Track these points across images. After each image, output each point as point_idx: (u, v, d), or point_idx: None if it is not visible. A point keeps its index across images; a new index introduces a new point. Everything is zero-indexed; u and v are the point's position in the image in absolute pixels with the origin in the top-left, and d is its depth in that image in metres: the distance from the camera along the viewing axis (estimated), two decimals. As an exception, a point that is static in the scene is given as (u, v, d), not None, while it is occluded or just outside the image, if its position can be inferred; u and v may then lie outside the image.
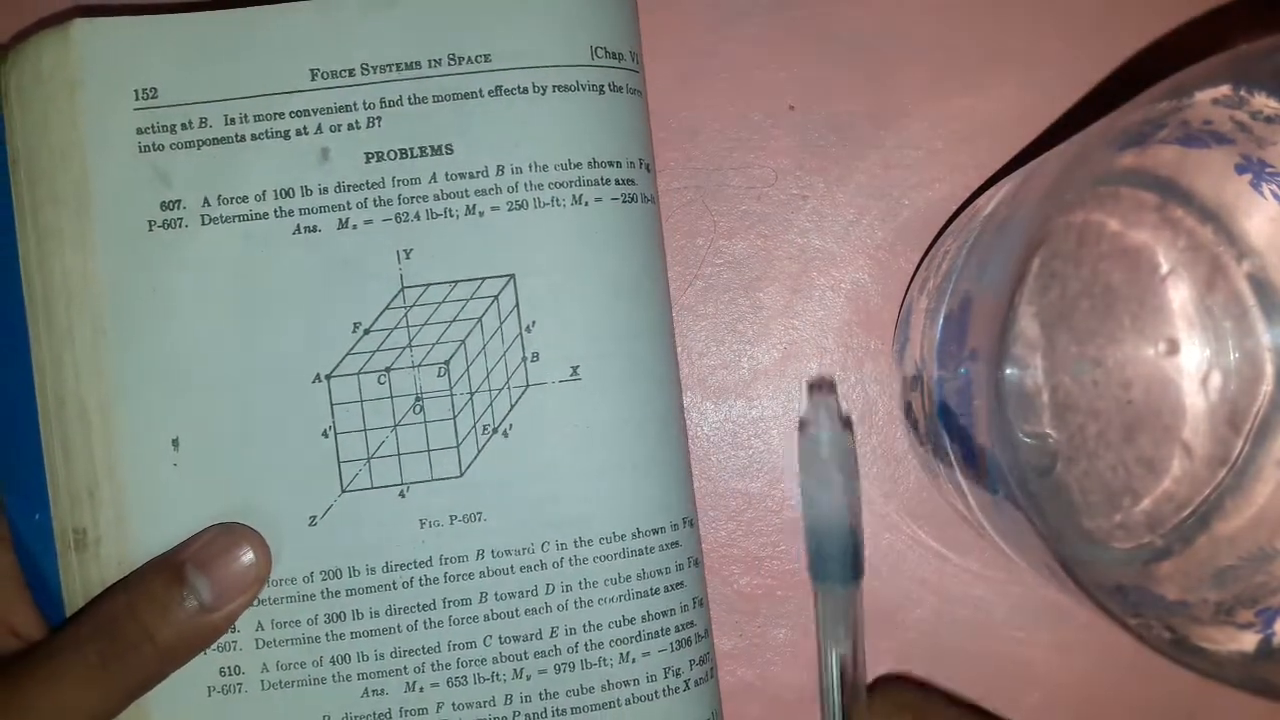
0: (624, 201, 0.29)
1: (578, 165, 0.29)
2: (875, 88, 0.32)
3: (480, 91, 0.29)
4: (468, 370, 0.29)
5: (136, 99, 0.29)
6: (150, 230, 0.29)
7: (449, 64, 0.29)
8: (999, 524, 0.26)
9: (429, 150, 0.29)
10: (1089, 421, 0.26)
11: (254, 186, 0.29)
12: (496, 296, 0.29)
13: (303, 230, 0.29)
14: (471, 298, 0.29)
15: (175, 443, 0.29)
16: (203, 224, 0.29)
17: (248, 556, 0.28)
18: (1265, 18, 0.31)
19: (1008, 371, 0.25)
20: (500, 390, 0.29)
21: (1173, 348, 0.25)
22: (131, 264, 0.29)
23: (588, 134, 0.29)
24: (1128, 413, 0.25)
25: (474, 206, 0.29)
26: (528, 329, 0.29)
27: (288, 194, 0.29)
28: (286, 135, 0.29)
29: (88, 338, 0.29)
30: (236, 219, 0.29)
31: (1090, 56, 0.32)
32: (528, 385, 0.29)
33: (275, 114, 0.29)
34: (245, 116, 0.29)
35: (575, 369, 0.29)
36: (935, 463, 0.29)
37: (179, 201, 0.29)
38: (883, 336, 0.33)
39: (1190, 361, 0.25)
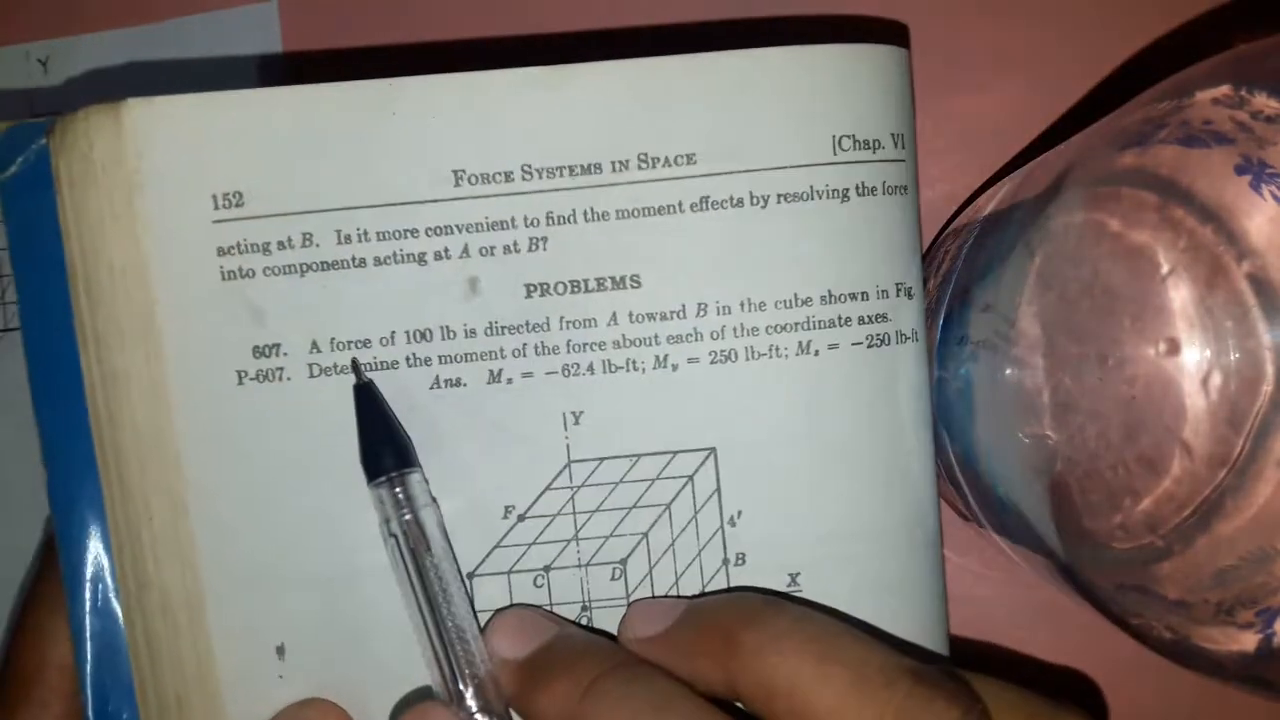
0: (869, 345, 0.23)
1: (806, 301, 0.23)
2: (875, 88, 0.32)
3: (680, 205, 0.22)
4: (650, 574, 0.23)
5: (215, 206, 0.22)
6: (240, 384, 0.23)
7: (639, 167, 0.22)
8: (999, 524, 0.26)
9: (609, 282, 0.23)
10: (1089, 422, 0.26)
11: (378, 328, 0.23)
12: (691, 476, 0.23)
13: (442, 384, 0.23)
14: (658, 477, 0.23)
15: (280, 650, 0.23)
16: (310, 376, 0.23)
17: None
18: (1265, 18, 0.31)
19: (1007, 371, 0.25)
20: None
21: (1173, 348, 0.25)
22: (216, 425, 0.23)
23: (822, 259, 0.23)
24: (1128, 413, 0.25)
25: (665, 357, 0.23)
26: (731, 521, 0.23)
27: (423, 337, 0.23)
28: (422, 259, 0.22)
29: (166, 516, 0.23)
30: None
31: (1090, 56, 0.32)
32: None
33: (406, 230, 0.22)
34: (364, 233, 0.22)
35: (794, 577, 0.23)
36: (935, 463, 0.29)
37: (277, 346, 0.22)
38: (883, 336, 0.33)
39: (1191, 361, 0.25)
